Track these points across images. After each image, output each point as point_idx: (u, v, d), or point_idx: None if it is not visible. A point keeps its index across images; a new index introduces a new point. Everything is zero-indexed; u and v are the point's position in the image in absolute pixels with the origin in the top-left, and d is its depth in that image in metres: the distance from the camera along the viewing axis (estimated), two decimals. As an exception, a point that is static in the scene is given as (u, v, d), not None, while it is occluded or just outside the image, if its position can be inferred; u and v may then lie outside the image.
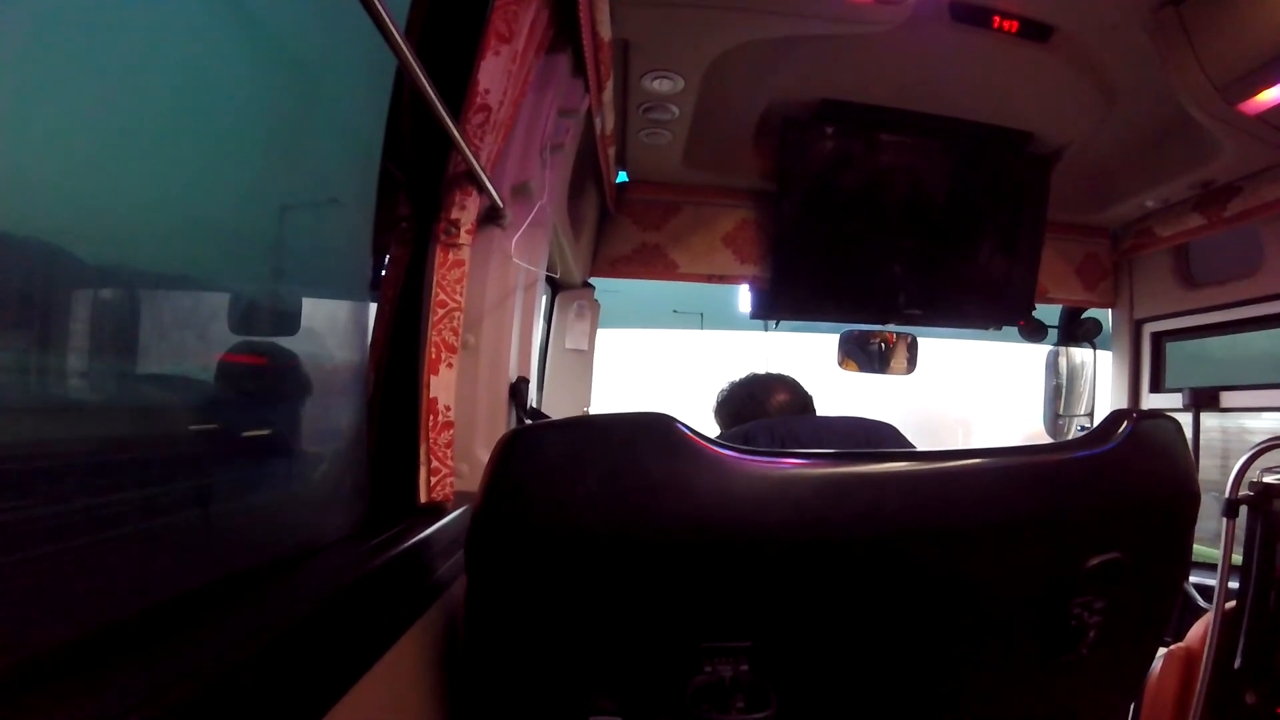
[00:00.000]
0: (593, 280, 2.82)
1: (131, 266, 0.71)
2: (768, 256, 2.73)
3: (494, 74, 1.16)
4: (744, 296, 2.90)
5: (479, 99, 1.16)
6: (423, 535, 1.01)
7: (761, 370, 2.23)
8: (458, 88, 1.18)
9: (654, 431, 0.83)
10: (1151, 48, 1.74)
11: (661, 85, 1.96)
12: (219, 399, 0.86)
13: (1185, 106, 1.84)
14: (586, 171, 2.31)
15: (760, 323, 2.96)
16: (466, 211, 1.18)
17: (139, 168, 0.68)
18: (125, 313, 0.70)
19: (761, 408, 2.07)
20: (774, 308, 2.77)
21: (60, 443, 0.61)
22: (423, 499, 1.13)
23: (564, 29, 1.42)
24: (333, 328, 1.05)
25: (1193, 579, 2.34)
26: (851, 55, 1.96)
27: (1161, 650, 1.69)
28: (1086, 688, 1.09)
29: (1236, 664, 1.58)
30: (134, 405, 0.72)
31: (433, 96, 0.94)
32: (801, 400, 2.11)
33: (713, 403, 2.22)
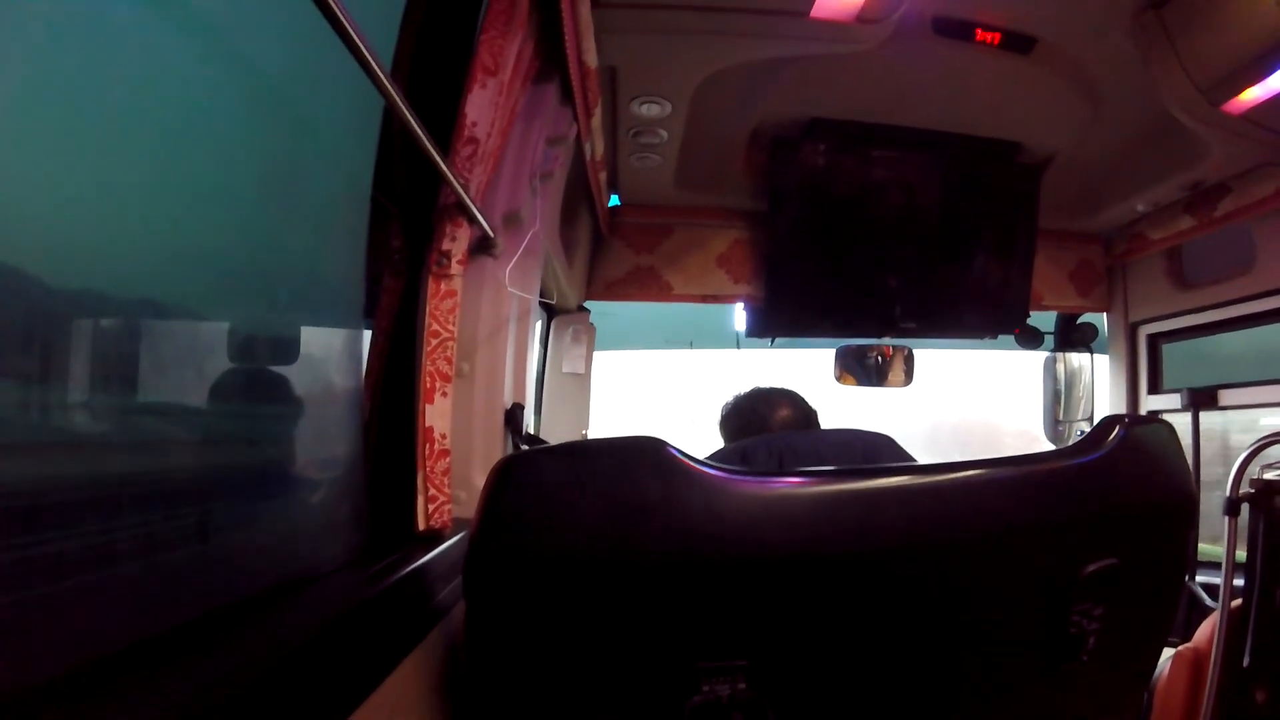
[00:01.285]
0: (589, 304, 2.84)
1: (129, 298, 0.72)
2: (762, 275, 2.76)
3: (481, 106, 1.18)
4: (739, 316, 2.92)
5: (467, 131, 1.18)
6: (421, 562, 1.02)
7: (764, 385, 2.24)
8: (446, 120, 1.20)
9: (645, 455, 0.84)
10: (1135, 52, 1.76)
11: (649, 110, 1.98)
12: (217, 428, 0.88)
13: (1170, 110, 1.86)
14: (579, 196, 2.33)
15: (757, 341, 2.97)
16: (457, 242, 1.19)
17: (137, 203, 0.69)
18: (124, 345, 0.72)
19: (764, 422, 2.07)
20: (770, 326, 2.79)
21: (62, 475, 0.62)
22: (421, 526, 1.14)
23: (550, 58, 1.44)
24: (329, 358, 1.07)
25: (1200, 578, 2.35)
26: (838, 73, 1.98)
27: (1170, 651, 1.69)
28: (1090, 695, 1.09)
29: (1245, 662, 1.58)
30: (133, 436, 0.73)
31: (419, 132, 0.96)
32: (804, 414, 2.11)
33: (717, 417, 2.23)
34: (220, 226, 0.84)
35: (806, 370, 3.29)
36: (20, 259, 0.56)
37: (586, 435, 2.79)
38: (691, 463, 0.84)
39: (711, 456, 1.56)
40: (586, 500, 0.81)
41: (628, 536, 0.81)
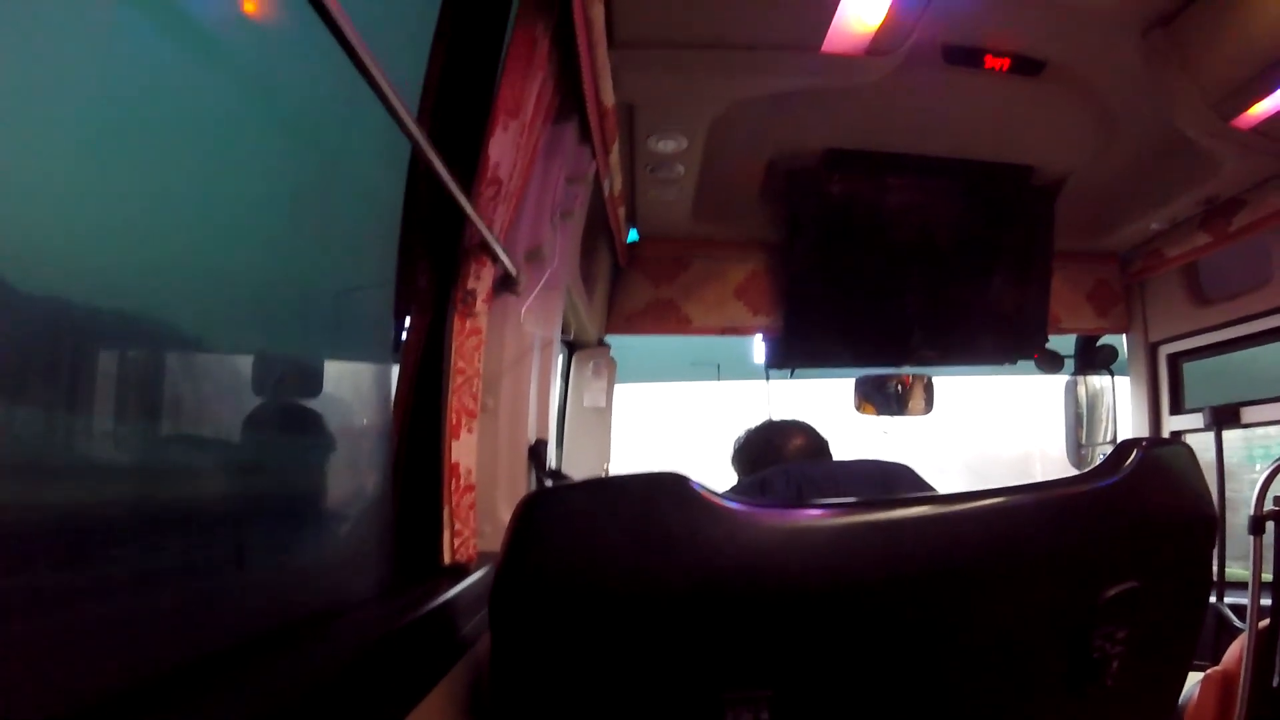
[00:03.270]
0: (609, 338, 2.86)
1: (165, 330, 0.74)
2: (780, 306, 2.76)
3: (503, 147, 1.21)
4: (758, 348, 2.93)
5: (490, 172, 1.21)
6: (447, 595, 1.03)
7: (777, 417, 2.24)
8: (470, 160, 1.23)
9: (666, 489, 0.85)
10: (1144, 70, 1.77)
11: (666, 145, 2.01)
12: (252, 461, 0.90)
13: (1182, 126, 1.87)
14: (598, 231, 2.36)
15: (777, 372, 2.97)
16: (482, 281, 1.22)
17: (176, 241, 0.72)
18: (159, 379, 0.74)
19: (779, 454, 2.07)
20: (789, 357, 2.79)
21: (94, 507, 0.63)
22: (446, 559, 1.16)
23: (569, 98, 1.48)
24: (359, 393, 1.09)
25: (1228, 599, 2.31)
26: (850, 104, 2.00)
27: (1198, 675, 1.67)
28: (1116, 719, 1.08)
29: (1275, 682, 1.55)
30: (167, 469, 0.75)
31: (444, 174, 0.99)
32: (817, 445, 2.11)
33: (730, 450, 2.23)
34: (257, 265, 0.87)
35: (834, 400, 3.28)
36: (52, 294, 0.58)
37: (608, 469, 2.79)
38: (714, 497, 0.85)
39: (731, 489, 1.57)
40: (611, 535, 0.82)
41: (652, 570, 0.82)
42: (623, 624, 0.83)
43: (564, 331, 1.88)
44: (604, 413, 2.84)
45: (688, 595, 0.82)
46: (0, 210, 0.52)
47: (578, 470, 2.58)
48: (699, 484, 0.86)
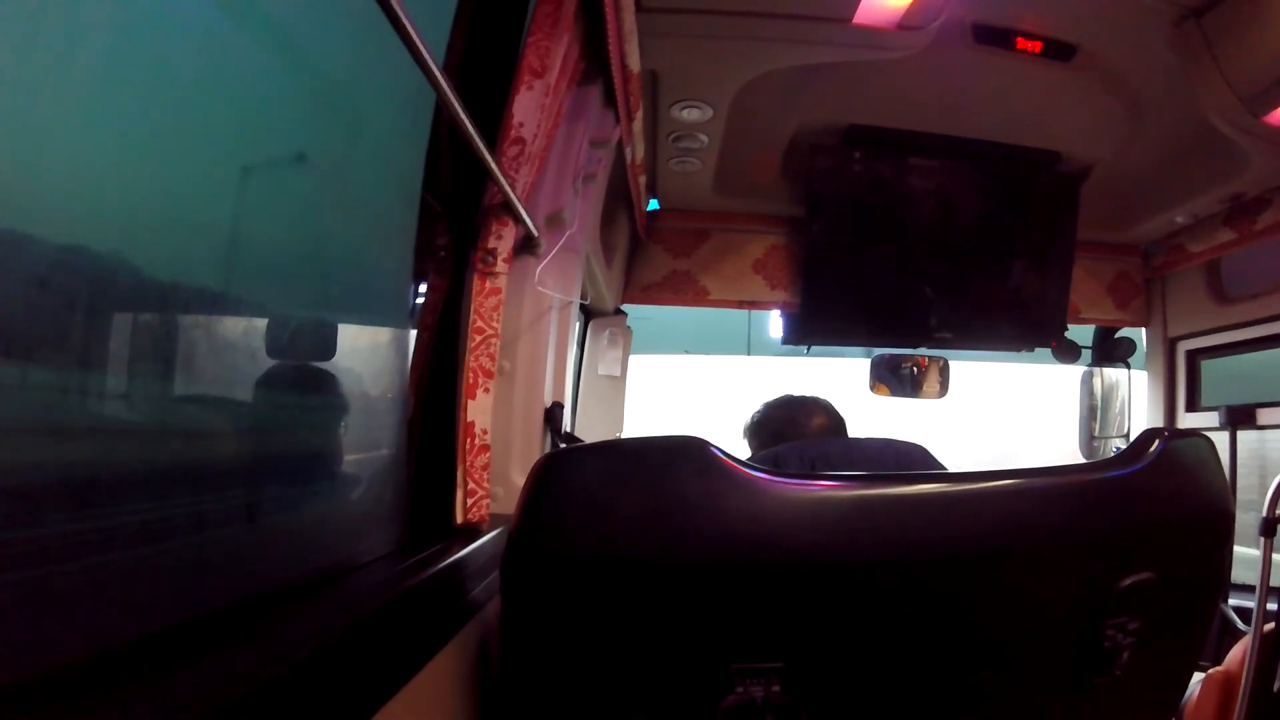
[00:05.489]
0: (625, 307, 2.85)
1: (180, 291, 0.74)
2: (798, 282, 2.74)
3: (528, 107, 1.20)
4: (775, 323, 2.91)
5: (514, 131, 1.19)
6: (459, 556, 1.03)
7: (796, 393, 2.23)
8: (493, 121, 1.22)
9: (687, 454, 0.84)
10: (1175, 61, 1.74)
11: (690, 114, 1.99)
12: (265, 418, 0.89)
13: (1211, 120, 1.84)
14: (618, 200, 2.34)
15: (792, 348, 2.96)
16: (503, 241, 1.21)
17: (185, 196, 0.71)
18: (172, 336, 0.73)
19: (798, 430, 2.06)
20: (805, 333, 2.78)
21: (107, 461, 0.63)
22: (459, 520, 1.16)
23: (594, 62, 1.46)
24: (374, 352, 1.08)
25: (1232, 601, 2.30)
26: (877, 80, 1.98)
27: (1199, 675, 1.66)
28: (1120, 712, 1.08)
29: (1276, 687, 1.55)
30: (182, 426, 0.75)
31: (470, 130, 0.98)
32: (835, 423, 2.10)
33: (746, 423, 2.22)
34: (275, 222, 0.86)
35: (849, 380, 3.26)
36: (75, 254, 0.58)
37: (621, 438, 2.80)
38: (735, 463, 0.85)
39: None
40: (626, 499, 0.82)
41: (667, 536, 0.82)
42: (634, 590, 0.83)
43: (581, 297, 1.87)
44: (618, 381, 2.83)
45: (702, 563, 0.82)
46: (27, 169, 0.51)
47: (591, 438, 2.58)
48: (719, 449, 0.85)
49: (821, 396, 2.17)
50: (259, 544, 0.82)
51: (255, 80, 0.80)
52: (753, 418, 2.19)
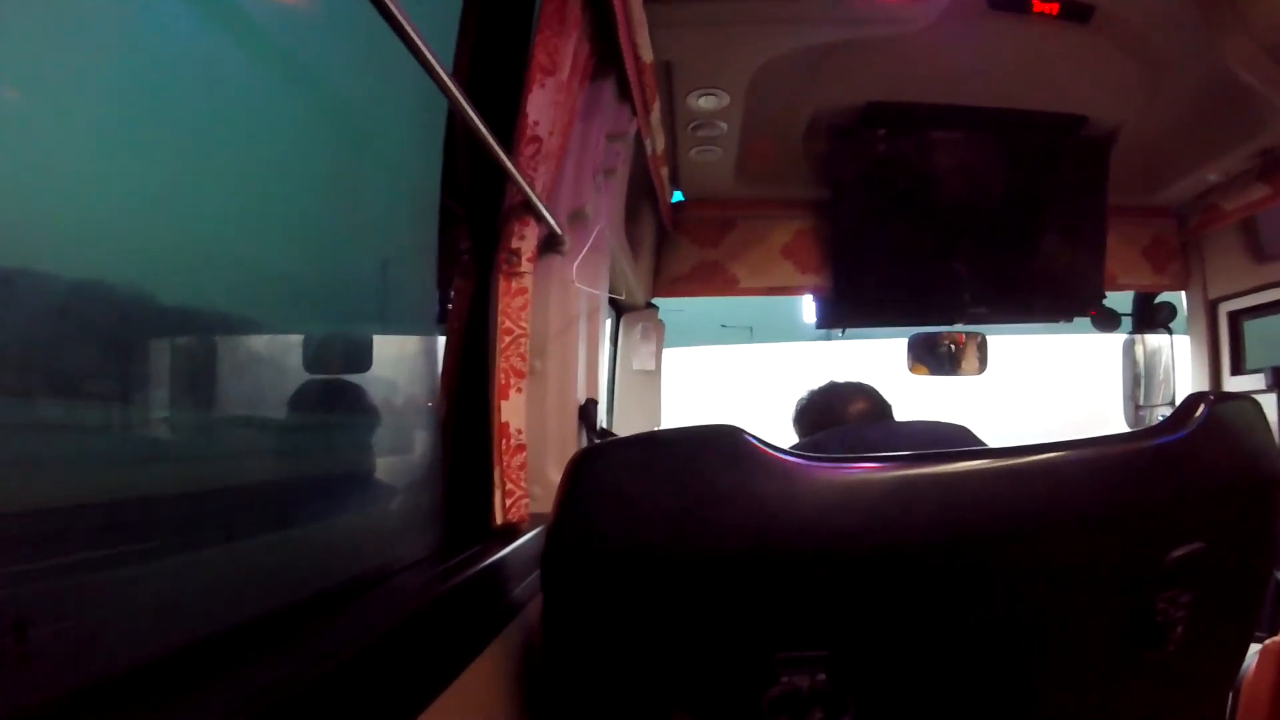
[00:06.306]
0: (657, 300, 2.85)
1: (228, 319, 0.75)
2: (828, 265, 2.72)
3: (541, 105, 1.20)
4: (808, 307, 2.89)
5: (529, 130, 1.19)
6: (498, 556, 1.03)
7: (839, 379, 2.21)
8: (507, 121, 1.22)
9: (721, 443, 0.83)
10: (1197, 15, 1.70)
11: (707, 102, 1.98)
12: (303, 429, 0.91)
13: (1235, 73, 1.79)
14: (641, 194, 2.34)
15: (825, 332, 2.94)
16: (526, 241, 1.21)
17: (211, 216, 0.72)
18: (209, 354, 0.75)
19: (840, 416, 2.05)
20: (838, 316, 2.76)
21: (151, 476, 0.65)
22: (498, 521, 1.16)
23: (606, 56, 1.46)
24: (406, 360, 1.09)
25: None
26: (892, 55, 1.95)
27: (1256, 646, 1.62)
28: (1176, 687, 1.05)
29: None
30: (233, 443, 0.77)
31: (485, 132, 0.98)
32: (879, 408, 2.08)
33: (791, 411, 2.20)
34: (303, 243, 0.87)
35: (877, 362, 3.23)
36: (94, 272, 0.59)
37: None
38: (768, 450, 0.83)
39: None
40: (662, 490, 0.81)
41: (705, 526, 0.81)
42: (674, 581, 0.82)
43: (611, 293, 1.87)
44: (653, 376, 2.83)
45: (741, 551, 0.81)
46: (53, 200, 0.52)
47: (628, 433, 2.58)
48: (753, 436, 0.84)
49: (865, 381, 2.16)
50: (304, 553, 0.83)
51: (268, 102, 0.81)
52: (796, 406, 2.18)
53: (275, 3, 0.86)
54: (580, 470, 0.84)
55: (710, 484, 0.82)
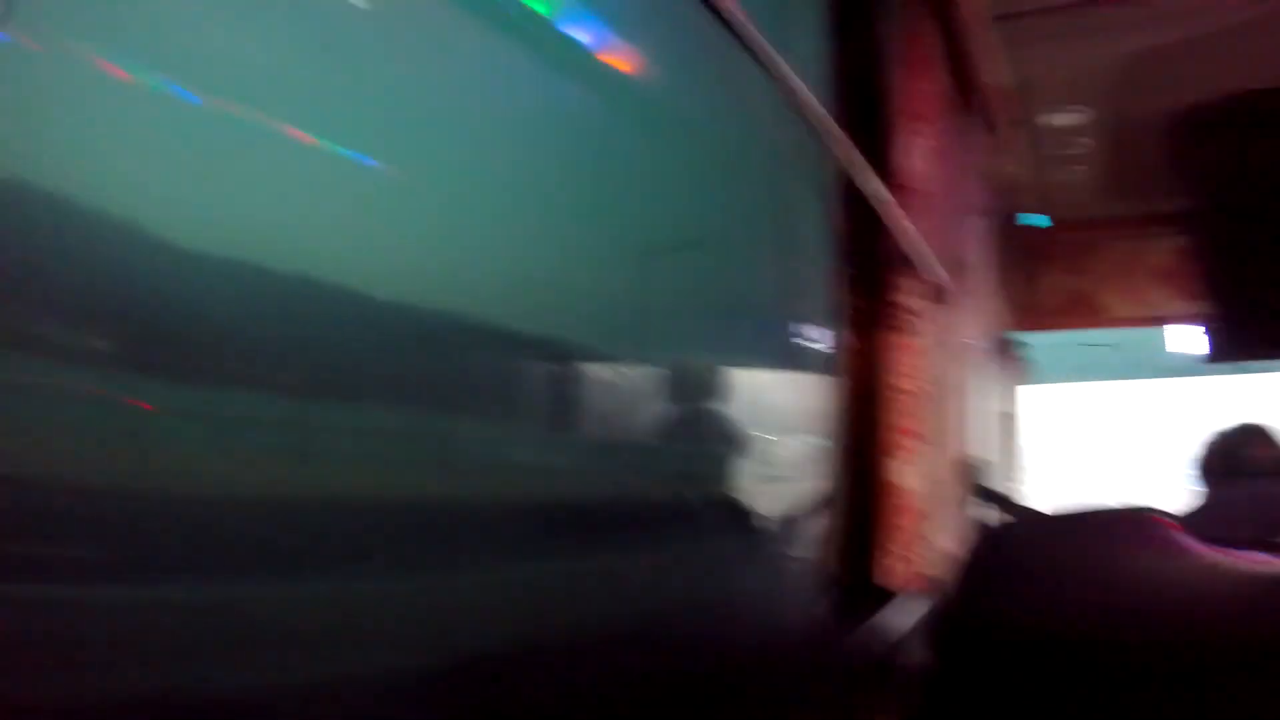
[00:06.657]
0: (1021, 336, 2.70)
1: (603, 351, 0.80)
2: (1213, 288, 2.39)
3: (914, 153, 1.19)
4: (1190, 338, 2.59)
5: (907, 180, 1.19)
6: (885, 621, 1.01)
7: (1244, 420, 1.98)
8: (879, 169, 1.21)
9: (1138, 529, 0.79)
10: None
11: (1064, 120, 1.90)
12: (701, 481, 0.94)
13: None
14: (1004, 226, 2.24)
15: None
16: (912, 294, 1.20)
17: (615, 267, 0.77)
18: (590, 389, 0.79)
19: (1239, 463, 1.83)
20: (1231, 347, 2.41)
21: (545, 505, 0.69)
22: (884, 583, 1.14)
23: (964, 89, 1.44)
24: (797, 413, 1.10)
25: None
26: (1259, 39, 1.71)
27: None
28: None
29: None
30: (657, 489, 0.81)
31: (872, 185, 0.98)
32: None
33: (1192, 456, 2.00)
34: (725, 295, 0.91)
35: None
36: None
37: (1021, 479, 2.62)
38: (1192, 543, 0.78)
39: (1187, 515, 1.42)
40: (1076, 577, 0.79)
41: (1119, 620, 0.77)
42: (1077, 669, 0.78)
43: (989, 338, 1.81)
44: (1014, 417, 2.66)
45: (1156, 650, 0.75)
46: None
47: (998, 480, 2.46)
48: (1171, 521, 0.78)
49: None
50: (695, 613, 0.85)
51: (671, 157, 0.85)
52: (1198, 450, 1.96)
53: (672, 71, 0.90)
54: (989, 546, 0.83)
55: (1130, 575, 0.79)
